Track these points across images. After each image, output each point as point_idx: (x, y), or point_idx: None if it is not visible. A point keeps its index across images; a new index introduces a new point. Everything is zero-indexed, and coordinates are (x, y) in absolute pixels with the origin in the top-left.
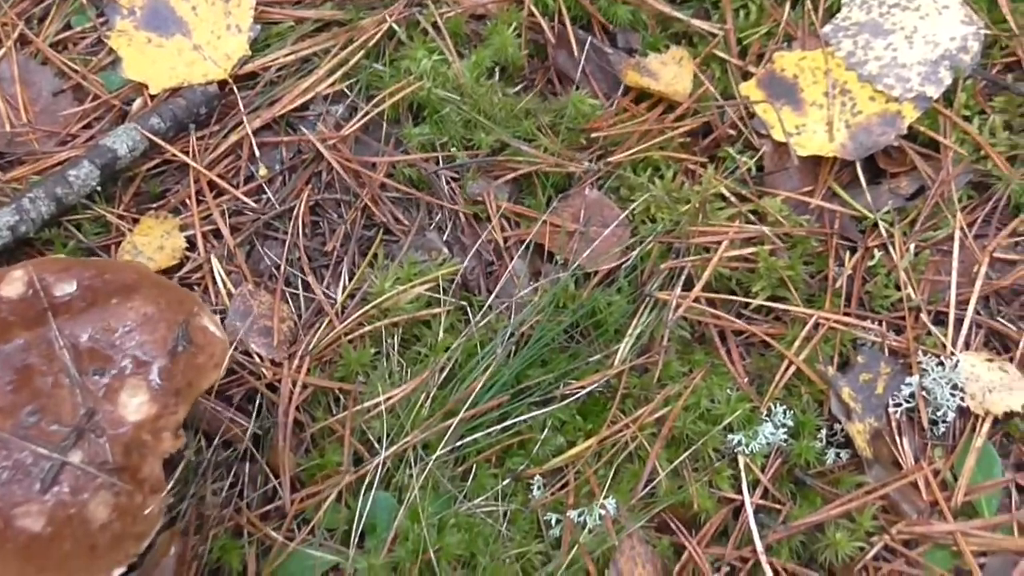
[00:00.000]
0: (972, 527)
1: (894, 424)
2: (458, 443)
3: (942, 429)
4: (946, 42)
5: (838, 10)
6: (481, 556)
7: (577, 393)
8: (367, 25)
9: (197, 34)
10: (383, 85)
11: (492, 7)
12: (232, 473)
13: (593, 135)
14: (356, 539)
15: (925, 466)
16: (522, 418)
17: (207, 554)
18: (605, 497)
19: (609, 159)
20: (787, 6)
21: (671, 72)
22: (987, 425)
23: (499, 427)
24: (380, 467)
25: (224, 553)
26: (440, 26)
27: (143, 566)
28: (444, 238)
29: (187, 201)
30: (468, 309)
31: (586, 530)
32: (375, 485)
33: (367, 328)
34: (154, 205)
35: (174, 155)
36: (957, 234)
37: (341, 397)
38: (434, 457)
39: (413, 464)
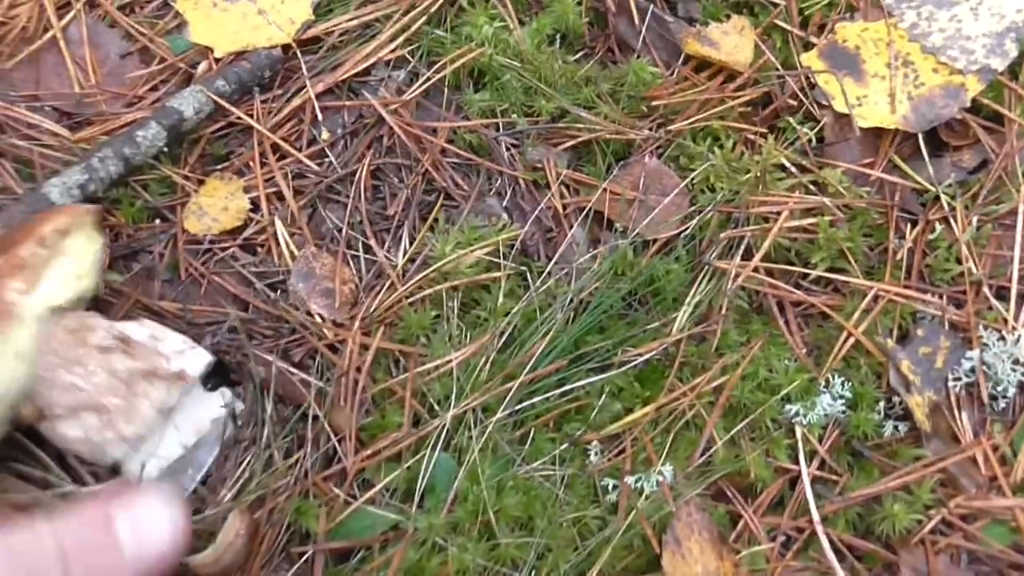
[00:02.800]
0: None
1: (953, 398)
2: (517, 407)
3: (1002, 404)
4: (1012, 14)
5: None
6: (539, 519)
7: (635, 360)
8: None
9: None
10: (444, 51)
11: None
12: (295, 433)
13: (653, 103)
14: (417, 499)
15: (984, 441)
16: (580, 384)
17: (284, 519)
18: (662, 464)
19: (669, 128)
20: None
21: (732, 42)
22: None
23: (557, 392)
24: (440, 429)
25: (300, 515)
26: None
27: (214, 546)
28: (504, 204)
29: (251, 163)
30: (527, 274)
31: (643, 496)
32: (435, 446)
33: (428, 291)
34: (219, 167)
35: (239, 118)
36: (1021, 208)
37: (402, 359)
38: (493, 420)
39: (472, 426)
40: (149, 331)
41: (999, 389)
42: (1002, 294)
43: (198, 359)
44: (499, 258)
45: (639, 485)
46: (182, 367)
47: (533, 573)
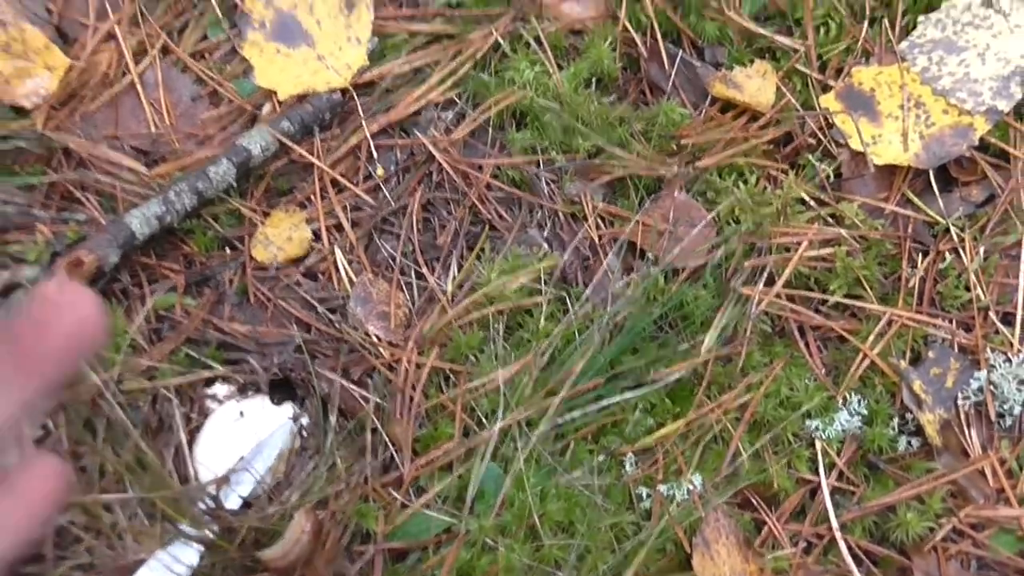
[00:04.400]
0: None
1: (962, 415)
2: (558, 421)
3: (1008, 422)
4: (1017, 59)
5: (914, 28)
6: (579, 523)
7: (666, 379)
8: (475, 39)
9: (321, 45)
10: (489, 94)
11: (589, 23)
12: (355, 443)
13: (682, 142)
14: (468, 504)
15: (992, 455)
16: (616, 400)
17: (346, 520)
18: (692, 474)
19: (697, 164)
20: (865, 24)
21: (755, 84)
22: None
23: (595, 407)
24: (488, 440)
25: (361, 517)
26: (542, 40)
27: (282, 542)
28: (544, 234)
29: (312, 197)
30: (567, 299)
31: (674, 503)
32: (484, 456)
33: (475, 314)
34: (283, 200)
35: (301, 155)
36: None
37: (452, 376)
38: (536, 433)
39: (518, 438)
40: None
41: (1005, 407)
42: (1008, 319)
43: None
44: (540, 284)
45: (671, 493)
46: None
47: (574, 572)
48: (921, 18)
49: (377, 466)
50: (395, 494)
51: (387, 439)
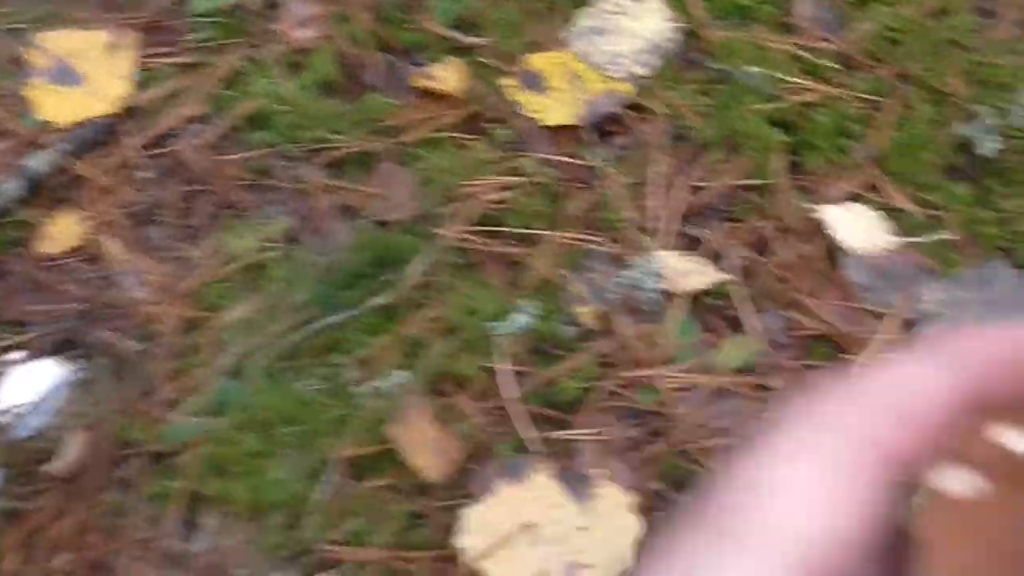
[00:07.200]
0: (670, 371)
1: (614, 307)
2: (286, 341)
3: (647, 308)
4: (652, 35)
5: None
6: (306, 417)
7: (376, 302)
8: (221, 63)
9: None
10: (234, 108)
11: (310, 43)
12: (122, 379)
13: (388, 123)
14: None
15: (636, 332)
16: (333, 319)
17: (114, 434)
18: (397, 371)
19: (400, 139)
20: (535, 23)
21: (448, 75)
22: (683, 301)
23: (316, 326)
24: (229, 363)
25: (126, 430)
26: (274, 60)
27: (63, 456)
28: (282, 210)
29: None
30: (296, 255)
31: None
32: (226, 374)
33: (221, 271)
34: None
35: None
36: (664, 170)
37: (201, 322)
38: (269, 351)
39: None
40: None
41: (646, 297)
42: (645, 231)
43: None
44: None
45: (381, 386)
46: None
47: (302, 450)
48: (577, 12)
49: (138, 391)
50: (154, 412)
51: (148, 372)
